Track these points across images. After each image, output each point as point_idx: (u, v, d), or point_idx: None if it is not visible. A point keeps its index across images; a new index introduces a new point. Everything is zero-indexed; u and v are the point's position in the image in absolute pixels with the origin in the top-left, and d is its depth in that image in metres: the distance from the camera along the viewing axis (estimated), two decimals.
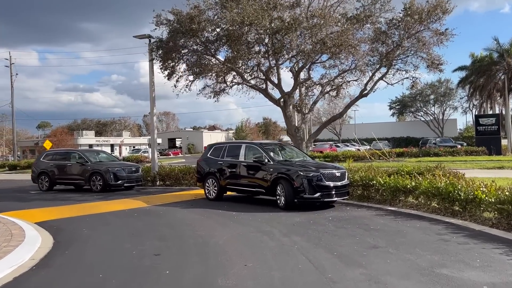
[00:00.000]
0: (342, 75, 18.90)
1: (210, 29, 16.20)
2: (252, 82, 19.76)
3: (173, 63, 19.05)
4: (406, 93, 67.59)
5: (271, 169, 10.85)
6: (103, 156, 18.02)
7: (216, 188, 12.32)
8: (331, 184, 10.40)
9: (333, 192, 10.45)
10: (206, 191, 12.66)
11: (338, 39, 14.45)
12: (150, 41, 18.92)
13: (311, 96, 20.77)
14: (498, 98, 47.75)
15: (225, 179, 12.10)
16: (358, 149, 40.02)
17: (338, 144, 51.82)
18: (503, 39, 48.32)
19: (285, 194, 10.33)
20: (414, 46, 17.17)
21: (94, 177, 16.12)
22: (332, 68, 19.12)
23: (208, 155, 13.04)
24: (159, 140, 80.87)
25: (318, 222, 8.79)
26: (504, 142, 37.37)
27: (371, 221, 8.74)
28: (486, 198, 8.31)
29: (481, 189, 8.66)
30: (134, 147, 69.80)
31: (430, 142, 42.95)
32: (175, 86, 19.84)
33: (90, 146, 61.21)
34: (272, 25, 14.45)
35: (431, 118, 65.20)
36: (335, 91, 20.07)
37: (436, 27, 16.36)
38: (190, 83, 19.79)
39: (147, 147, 51.66)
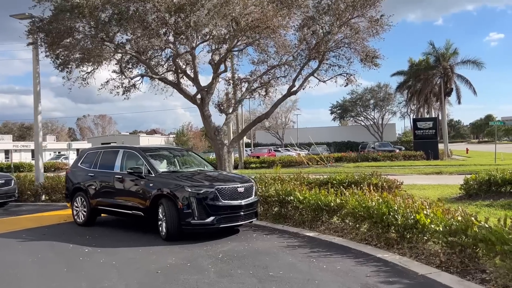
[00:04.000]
0: (271, 71, 16.42)
1: (101, 7, 13.02)
2: (171, 77, 16.79)
3: (67, 51, 15.66)
4: (347, 97, 67.37)
5: (151, 184, 7.91)
6: None
7: (86, 209, 9.16)
8: (232, 203, 7.64)
9: (234, 215, 7.70)
10: (74, 213, 9.46)
11: (255, 21, 11.85)
12: (34, 22, 15.37)
13: (237, 94, 18.09)
14: (435, 102, 47.92)
15: (95, 197, 8.99)
16: (299, 154, 38.05)
17: (279, 149, 49.76)
18: (438, 45, 48.72)
19: (167, 220, 7.44)
20: (347, 37, 14.99)
21: None
22: (261, 64, 16.62)
23: (79, 164, 9.85)
24: (89, 145, 75.04)
25: (198, 264, 5.97)
26: (441, 146, 36.92)
27: (275, 260, 6.06)
28: (432, 225, 5.91)
29: (425, 211, 6.27)
30: (59, 152, 63.59)
31: (369, 147, 41.94)
32: (68, 78, 16.42)
33: (7, 151, 54.83)
34: (174, 0, 11.56)
35: (371, 122, 65.17)
36: (263, 89, 17.51)
37: (371, 14, 14.23)
38: (86, 75, 16.45)
39: (70, 152, 46.75)
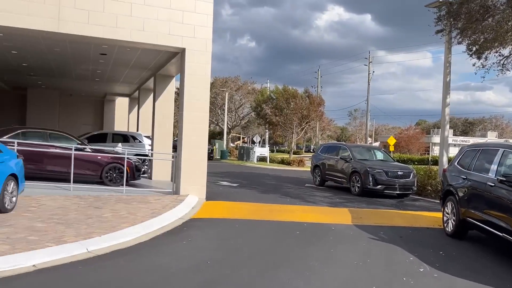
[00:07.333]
0: None
1: None
2: None
3: (482, 34, 14.19)
4: None
5: None
6: (374, 155, 15.13)
7: (454, 218, 7.53)
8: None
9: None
10: (444, 219, 7.98)
11: None
12: (449, 7, 14.55)
13: None
14: None
15: (464, 205, 7.14)
16: None
17: None
18: None
19: None
20: None
21: (353, 177, 13.77)
22: None
23: (455, 163, 8.04)
24: None
25: None
26: None
27: None
28: None
29: None
30: None
31: None
32: (482, 65, 14.79)
33: None
34: None
35: None
36: None
37: None
38: (503, 59, 14.20)
39: None
